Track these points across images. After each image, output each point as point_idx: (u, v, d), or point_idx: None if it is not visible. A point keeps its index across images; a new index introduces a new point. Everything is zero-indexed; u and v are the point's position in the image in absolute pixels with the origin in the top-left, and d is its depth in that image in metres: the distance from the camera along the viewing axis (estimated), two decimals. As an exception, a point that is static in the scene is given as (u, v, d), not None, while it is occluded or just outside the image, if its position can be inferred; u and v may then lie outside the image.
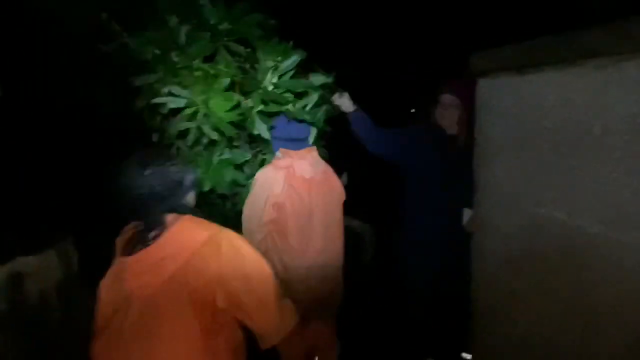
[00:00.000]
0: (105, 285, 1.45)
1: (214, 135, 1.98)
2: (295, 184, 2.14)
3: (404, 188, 2.87)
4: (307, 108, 2.14)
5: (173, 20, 2.06)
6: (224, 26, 2.07)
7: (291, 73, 2.07)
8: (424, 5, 5.26)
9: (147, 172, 1.35)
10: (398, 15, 5.51)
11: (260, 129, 2.04)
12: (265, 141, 2.28)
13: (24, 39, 2.24)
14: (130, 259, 1.38)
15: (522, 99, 1.70)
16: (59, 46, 2.22)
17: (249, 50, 2.14)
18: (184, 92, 1.94)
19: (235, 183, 2.39)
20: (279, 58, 2.03)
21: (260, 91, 2.04)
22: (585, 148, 1.43)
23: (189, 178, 1.47)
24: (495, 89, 1.86)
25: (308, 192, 2.16)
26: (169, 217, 1.40)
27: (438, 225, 2.65)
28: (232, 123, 1.95)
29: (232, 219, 2.61)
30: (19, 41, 2.21)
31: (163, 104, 2.00)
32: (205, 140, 2.14)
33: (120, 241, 1.53)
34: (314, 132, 2.24)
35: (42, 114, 2.47)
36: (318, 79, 2.15)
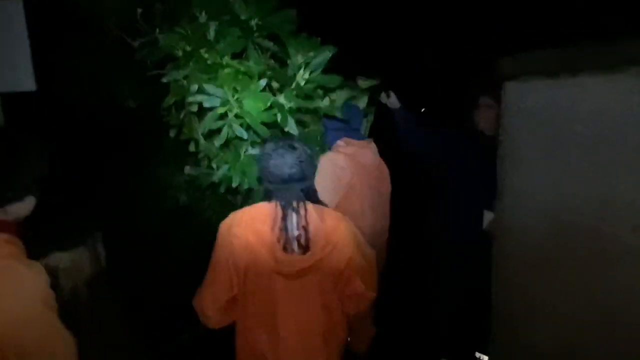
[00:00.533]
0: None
1: (245, 135, 1.99)
2: (360, 170, 2.45)
3: (439, 187, 2.92)
4: (338, 104, 2.15)
5: (203, 16, 2.07)
6: (254, 22, 2.07)
7: (322, 69, 2.08)
8: (455, 7, 5.25)
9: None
10: (430, 14, 5.49)
11: (290, 124, 2.04)
12: (292, 137, 2.30)
13: (57, 34, 2.25)
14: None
15: (553, 104, 1.70)
16: (91, 42, 2.23)
17: (277, 46, 2.15)
18: (218, 91, 1.95)
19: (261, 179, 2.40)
20: (311, 54, 2.03)
21: (292, 87, 2.04)
22: (620, 157, 1.44)
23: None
24: (524, 92, 1.86)
25: (368, 177, 2.50)
26: None
27: (471, 226, 2.69)
28: (264, 123, 1.96)
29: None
30: (53, 37, 2.22)
31: (194, 102, 2.01)
32: (230, 137, 2.15)
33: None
34: (365, 124, 2.48)
35: (74, 110, 2.49)
36: (365, 82, 2.23)
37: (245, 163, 2.15)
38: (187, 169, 2.59)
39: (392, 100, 2.86)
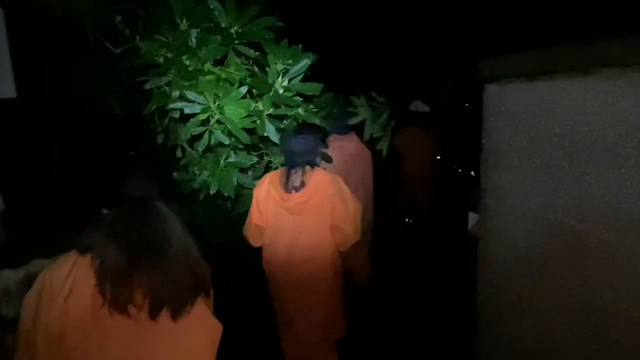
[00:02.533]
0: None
1: (227, 141, 1.99)
2: (346, 157, 3.00)
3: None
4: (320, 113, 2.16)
5: (184, 24, 2.07)
6: (235, 29, 2.07)
7: (301, 76, 2.09)
8: (435, 11, 5.30)
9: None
10: (408, 19, 5.54)
11: (270, 131, 2.05)
12: (272, 143, 2.30)
13: (37, 41, 2.24)
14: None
15: (532, 106, 1.72)
16: (71, 48, 2.22)
17: (259, 53, 2.15)
18: (199, 98, 1.95)
19: (240, 186, 2.40)
20: (290, 61, 2.05)
21: (271, 94, 2.05)
22: (597, 155, 1.45)
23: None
24: (504, 95, 1.87)
25: (354, 161, 3.08)
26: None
27: None
28: (245, 129, 1.96)
29: (234, 219, 2.63)
30: (33, 43, 2.21)
31: (176, 108, 2.01)
32: (213, 143, 2.15)
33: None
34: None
35: (54, 116, 2.47)
36: (362, 101, 2.32)
37: (223, 171, 2.15)
38: (176, 175, 2.59)
39: (421, 106, 3.25)
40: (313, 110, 2.20)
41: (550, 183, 1.63)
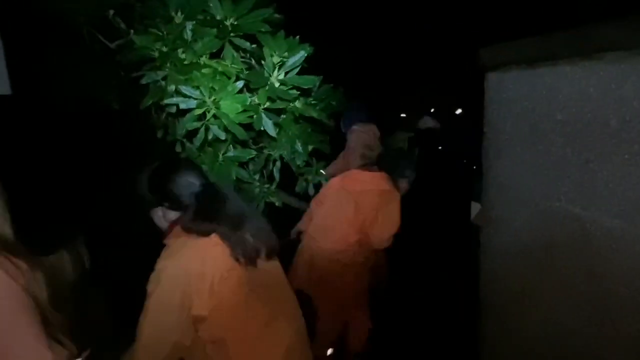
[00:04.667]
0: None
1: (223, 136, 1.97)
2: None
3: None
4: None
5: (179, 17, 2.04)
6: (230, 22, 2.04)
7: (298, 69, 2.06)
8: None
9: None
10: (407, 8, 5.50)
11: (267, 125, 2.02)
12: (270, 137, 2.28)
13: (30, 36, 2.21)
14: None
15: (534, 93, 1.69)
16: (65, 44, 2.19)
17: (255, 46, 2.12)
18: (195, 93, 1.92)
19: (239, 180, 2.38)
20: (286, 54, 2.01)
21: (266, 88, 2.02)
22: (601, 141, 1.42)
23: None
24: (506, 82, 1.84)
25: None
26: None
27: None
28: (241, 124, 1.94)
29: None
30: (26, 39, 2.18)
31: (172, 104, 1.98)
32: (211, 138, 2.13)
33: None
34: None
35: (50, 113, 2.45)
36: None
37: (222, 166, 2.12)
38: None
39: (432, 123, 3.46)
40: (312, 102, 2.17)
41: (553, 171, 1.61)
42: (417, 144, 3.60)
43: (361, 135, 3.10)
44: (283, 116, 2.17)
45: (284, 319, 1.53)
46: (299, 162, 2.42)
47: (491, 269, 2.02)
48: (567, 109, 1.54)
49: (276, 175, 2.53)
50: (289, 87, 2.05)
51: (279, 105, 2.06)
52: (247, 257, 1.44)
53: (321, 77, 2.10)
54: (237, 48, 2.11)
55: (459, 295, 3.14)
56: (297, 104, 2.09)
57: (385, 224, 2.48)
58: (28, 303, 1.02)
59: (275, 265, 1.60)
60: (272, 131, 2.00)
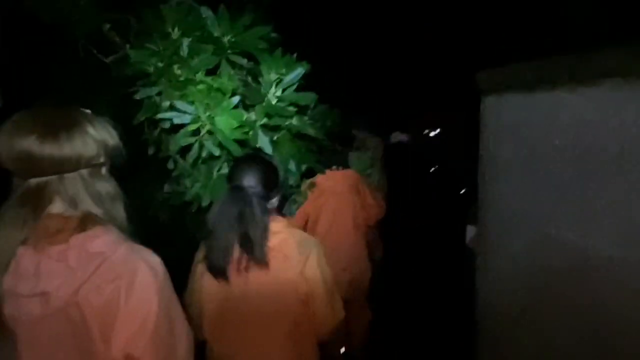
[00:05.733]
0: None
1: (217, 152, 1.94)
2: None
3: None
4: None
5: (176, 33, 2.03)
6: (228, 39, 2.03)
7: (295, 86, 2.04)
8: (431, 21, 5.32)
9: None
10: (404, 30, 5.55)
11: (263, 142, 1.99)
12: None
13: (25, 49, 2.19)
14: None
15: (531, 117, 1.68)
16: (60, 57, 2.17)
17: (252, 63, 2.11)
18: (189, 108, 1.89)
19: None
20: (283, 71, 2.00)
21: (263, 105, 2.00)
22: (600, 168, 1.41)
23: None
24: (503, 106, 1.84)
25: None
26: None
27: None
28: (237, 141, 1.91)
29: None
30: (21, 51, 2.16)
31: (166, 119, 1.95)
32: (205, 155, 2.10)
33: None
34: None
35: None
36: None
37: (217, 183, 2.09)
38: (167, 187, 2.53)
39: (400, 136, 3.90)
40: (308, 122, 2.15)
41: (552, 196, 1.59)
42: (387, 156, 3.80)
43: None
44: (279, 134, 2.14)
45: None
46: (291, 182, 2.38)
47: (487, 293, 1.99)
48: (566, 134, 1.53)
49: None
50: (287, 104, 2.03)
51: (276, 122, 2.04)
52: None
53: (317, 96, 2.08)
54: (233, 65, 2.09)
55: (454, 318, 3.10)
56: (294, 121, 2.07)
57: None
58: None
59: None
60: (268, 148, 1.97)
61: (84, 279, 0.99)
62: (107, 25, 2.09)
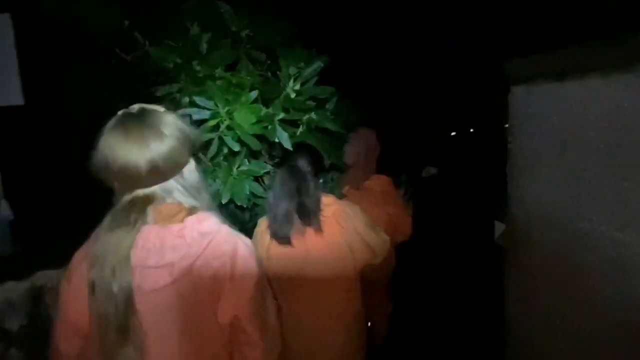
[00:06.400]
0: None
1: (237, 147, 1.92)
2: None
3: None
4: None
5: (195, 29, 2.02)
6: (246, 33, 2.01)
7: (314, 80, 2.00)
8: (456, 10, 5.19)
9: None
10: (427, 20, 5.44)
11: (282, 137, 1.96)
12: (285, 150, 2.22)
13: (46, 47, 2.21)
14: None
15: (563, 107, 1.60)
16: (81, 55, 2.18)
17: (270, 57, 2.09)
18: (208, 103, 1.88)
19: (253, 195, 2.32)
20: (301, 64, 1.97)
21: (282, 99, 1.97)
22: (636, 159, 1.33)
23: None
24: (532, 96, 1.76)
25: None
26: None
27: None
28: (256, 136, 1.89)
29: (250, 231, 2.55)
30: (42, 50, 2.18)
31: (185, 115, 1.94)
32: (225, 151, 2.08)
33: None
34: None
35: (62, 124, 2.44)
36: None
37: (236, 180, 2.06)
38: None
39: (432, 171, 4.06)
40: (330, 117, 2.11)
41: (585, 190, 1.51)
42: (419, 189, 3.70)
43: None
44: (301, 129, 2.10)
45: None
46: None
47: (517, 291, 1.92)
48: (599, 124, 1.45)
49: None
50: (305, 98, 2.00)
51: (294, 116, 2.01)
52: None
53: (335, 89, 2.04)
54: (252, 60, 2.07)
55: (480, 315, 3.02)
56: (313, 115, 2.03)
57: None
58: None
59: None
60: (287, 143, 1.93)
61: (198, 254, 1.14)
62: (127, 22, 2.09)
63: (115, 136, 1.09)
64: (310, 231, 1.80)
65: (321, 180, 1.90)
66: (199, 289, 1.14)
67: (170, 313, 1.14)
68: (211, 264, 1.15)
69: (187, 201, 1.18)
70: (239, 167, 2.13)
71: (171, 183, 1.15)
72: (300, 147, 1.93)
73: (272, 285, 1.76)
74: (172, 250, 1.12)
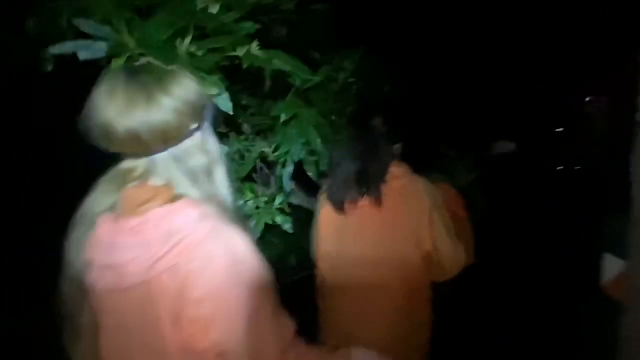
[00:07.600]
0: None
1: None
2: None
3: None
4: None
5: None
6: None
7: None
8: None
9: None
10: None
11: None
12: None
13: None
14: None
15: None
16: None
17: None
18: (103, 30, 1.37)
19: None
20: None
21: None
22: None
23: None
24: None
25: None
26: None
27: None
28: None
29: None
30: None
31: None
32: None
33: None
34: None
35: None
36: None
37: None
38: None
39: (507, 146, 3.25)
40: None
41: None
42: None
43: None
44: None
45: None
46: (321, 167, 1.72)
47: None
48: None
49: (286, 185, 1.81)
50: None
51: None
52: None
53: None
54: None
55: None
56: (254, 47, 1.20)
57: None
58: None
59: None
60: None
61: (157, 257, 0.90)
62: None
63: (100, 93, 0.90)
64: (366, 202, 1.56)
65: (398, 146, 1.65)
66: (159, 300, 0.91)
67: (125, 324, 0.96)
68: (177, 271, 0.89)
69: (180, 185, 0.94)
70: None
71: (159, 157, 0.93)
72: (379, 103, 1.75)
73: (318, 252, 1.68)
74: (123, 250, 0.93)
